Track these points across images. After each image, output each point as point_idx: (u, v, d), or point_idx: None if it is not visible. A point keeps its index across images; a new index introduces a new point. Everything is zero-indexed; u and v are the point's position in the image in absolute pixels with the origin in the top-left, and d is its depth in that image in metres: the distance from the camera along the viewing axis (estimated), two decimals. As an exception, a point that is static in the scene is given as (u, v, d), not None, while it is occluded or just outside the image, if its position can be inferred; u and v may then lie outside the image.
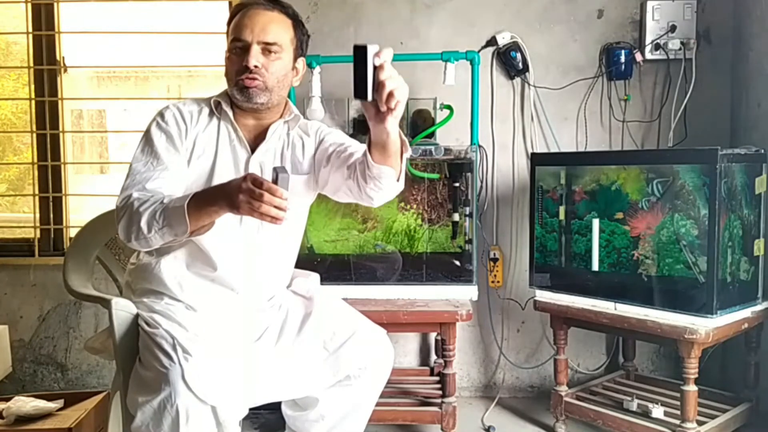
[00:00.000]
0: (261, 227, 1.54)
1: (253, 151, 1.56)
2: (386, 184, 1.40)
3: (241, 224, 1.53)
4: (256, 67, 1.47)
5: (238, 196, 1.27)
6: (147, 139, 1.52)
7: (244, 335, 1.56)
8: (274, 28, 1.49)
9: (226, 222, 1.44)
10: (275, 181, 1.26)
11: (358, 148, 1.53)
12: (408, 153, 1.40)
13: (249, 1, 1.52)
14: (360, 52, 1.17)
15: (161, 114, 1.55)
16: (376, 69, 1.17)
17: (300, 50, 1.58)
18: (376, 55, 1.16)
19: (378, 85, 1.18)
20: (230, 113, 1.55)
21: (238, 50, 1.49)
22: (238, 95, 1.50)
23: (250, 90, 1.48)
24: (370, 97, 1.18)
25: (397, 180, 1.41)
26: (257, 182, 1.26)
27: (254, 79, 1.47)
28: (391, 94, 1.18)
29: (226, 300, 1.56)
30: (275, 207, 1.25)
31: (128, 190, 1.44)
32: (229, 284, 1.55)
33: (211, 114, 1.57)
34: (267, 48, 1.48)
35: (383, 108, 1.20)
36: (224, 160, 1.55)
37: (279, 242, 1.62)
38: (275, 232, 1.56)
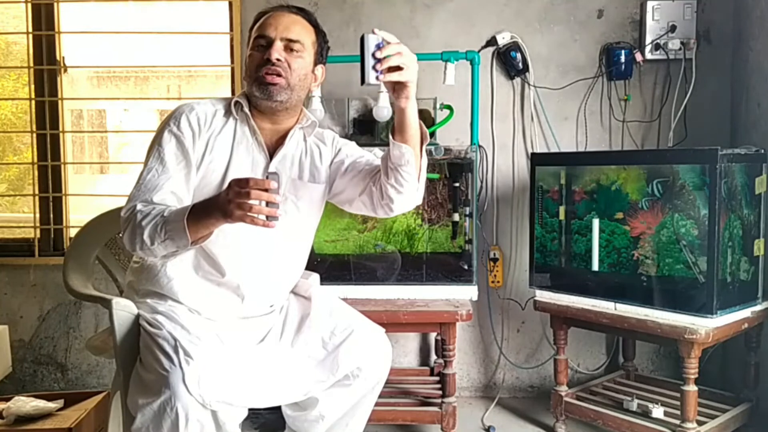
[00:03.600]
0: (272, 233, 1.48)
1: (270, 157, 1.55)
2: (407, 172, 1.44)
3: (252, 231, 1.49)
4: (278, 60, 1.46)
5: (227, 202, 1.27)
6: (158, 142, 1.48)
7: (247, 338, 1.56)
8: (298, 28, 1.51)
9: (236, 229, 1.39)
10: None
11: (374, 157, 1.61)
12: (427, 141, 1.47)
13: (273, 7, 1.54)
14: (361, 42, 1.30)
15: (175, 117, 1.50)
16: (375, 55, 1.29)
17: (320, 56, 1.59)
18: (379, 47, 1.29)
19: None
20: (250, 115, 1.53)
21: (260, 47, 1.49)
22: (257, 92, 1.48)
23: (270, 87, 1.46)
24: (368, 81, 1.30)
25: (418, 180, 1.47)
26: (242, 181, 1.26)
27: (276, 74, 1.46)
28: (391, 69, 1.30)
29: (231, 303, 1.56)
30: (267, 206, 1.25)
31: (133, 200, 1.42)
32: (236, 290, 1.54)
33: (227, 115, 1.54)
34: (290, 45, 1.49)
35: (387, 78, 1.30)
36: (240, 164, 1.52)
37: (289, 251, 1.61)
38: (285, 240, 1.56)
